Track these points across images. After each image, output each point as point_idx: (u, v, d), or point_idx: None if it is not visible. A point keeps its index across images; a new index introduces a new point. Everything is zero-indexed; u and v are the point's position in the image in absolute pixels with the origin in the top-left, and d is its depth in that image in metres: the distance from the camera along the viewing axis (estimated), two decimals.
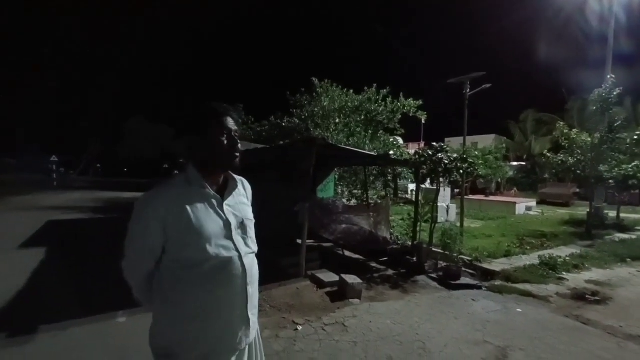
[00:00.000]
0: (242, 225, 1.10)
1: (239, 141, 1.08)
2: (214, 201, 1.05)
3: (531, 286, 4.37)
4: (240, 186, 1.18)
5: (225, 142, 1.04)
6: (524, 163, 23.96)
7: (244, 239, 1.09)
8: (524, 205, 12.82)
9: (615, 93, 7.97)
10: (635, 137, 8.26)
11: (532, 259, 5.50)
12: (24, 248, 5.93)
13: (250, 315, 1.09)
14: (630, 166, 8.80)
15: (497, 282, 4.55)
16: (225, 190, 1.10)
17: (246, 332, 1.08)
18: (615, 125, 8.13)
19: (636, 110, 20.42)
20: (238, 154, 1.08)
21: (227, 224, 1.05)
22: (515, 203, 12.52)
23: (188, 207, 0.99)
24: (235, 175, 1.16)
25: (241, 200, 1.16)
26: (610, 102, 8.05)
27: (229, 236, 1.04)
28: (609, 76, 8.41)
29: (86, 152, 37.84)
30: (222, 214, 1.05)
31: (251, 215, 1.17)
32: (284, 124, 10.91)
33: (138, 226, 1.01)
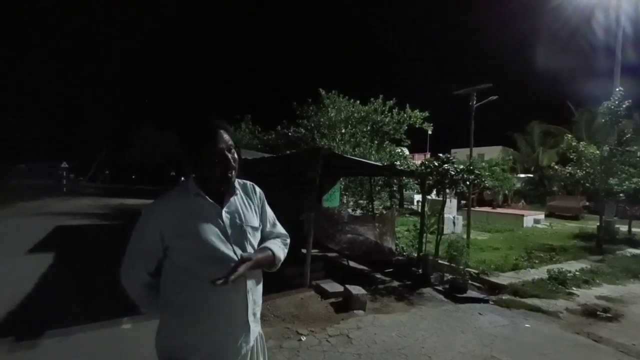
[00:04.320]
0: (241, 232, 1.11)
1: (234, 154, 1.09)
2: (212, 209, 1.08)
3: (540, 301, 4.28)
4: (241, 192, 1.18)
5: (218, 159, 1.05)
6: (531, 175, 23.67)
7: (243, 246, 1.09)
8: (532, 218, 12.62)
9: (624, 105, 7.91)
10: None
11: (540, 273, 5.40)
12: (32, 253, 6.02)
13: (250, 322, 1.11)
14: None
15: (505, 296, 4.46)
16: (225, 196, 1.12)
17: (246, 338, 1.10)
18: (625, 138, 8.04)
19: None
20: (234, 170, 1.09)
21: (224, 231, 1.07)
22: (523, 215, 12.34)
23: (186, 216, 1.04)
24: (239, 180, 1.18)
25: (243, 205, 1.16)
26: (619, 115, 7.99)
27: (227, 243, 1.06)
28: (617, 89, 8.36)
29: (96, 159, 38.52)
30: (220, 221, 1.07)
31: (254, 221, 1.17)
32: (290, 134, 11.00)
33: (137, 233, 1.09)
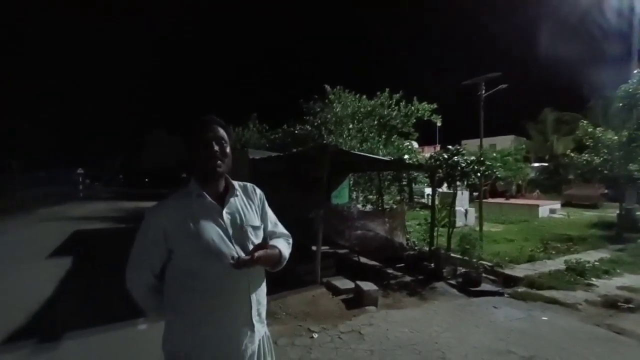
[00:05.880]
0: (242, 231, 1.11)
1: (225, 148, 1.10)
2: (212, 210, 1.09)
3: (557, 293, 4.17)
4: (241, 193, 1.19)
5: (204, 152, 1.07)
6: (545, 164, 23.04)
7: (244, 246, 1.09)
8: (548, 208, 12.30)
9: None
10: None
11: (557, 264, 5.26)
12: (52, 257, 6.21)
13: (255, 322, 1.11)
14: None
15: (520, 289, 4.37)
16: (226, 197, 1.13)
17: (251, 339, 1.10)
18: None
19: None
20: (219, 161, 1.08)
21: (225, 232, 1.07)
22: (538, 205, 12.04)
23: (188, 217, 1.05)
24: (239, 182, 1.20)
25: (243, 206, 1.17)
26: (638, 98, 7.68)
27: (228, 243, 1.06)
28: (635, 71, 8.03)
29: (110, 164, 39.59)
30: (221, 222, 1.08)
31: (255, 221, 1.17)
32: (297, 132, 11.00)
33: (140, 236, 1.10)
